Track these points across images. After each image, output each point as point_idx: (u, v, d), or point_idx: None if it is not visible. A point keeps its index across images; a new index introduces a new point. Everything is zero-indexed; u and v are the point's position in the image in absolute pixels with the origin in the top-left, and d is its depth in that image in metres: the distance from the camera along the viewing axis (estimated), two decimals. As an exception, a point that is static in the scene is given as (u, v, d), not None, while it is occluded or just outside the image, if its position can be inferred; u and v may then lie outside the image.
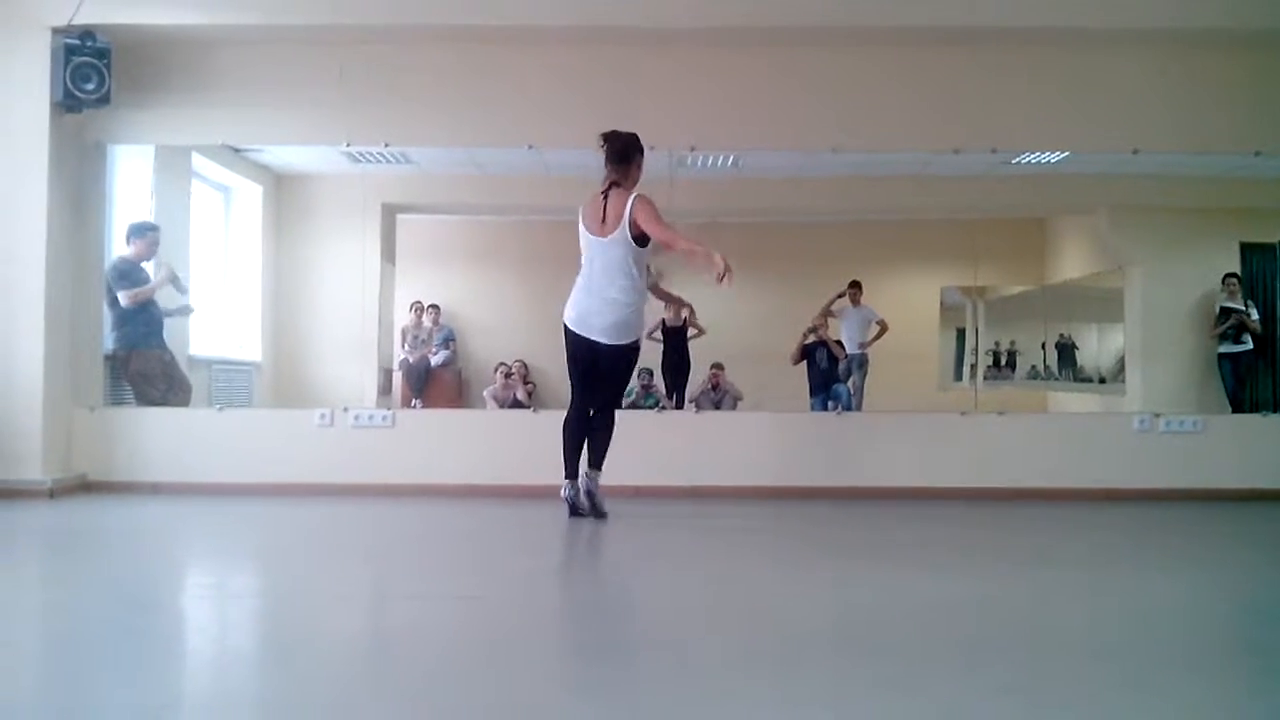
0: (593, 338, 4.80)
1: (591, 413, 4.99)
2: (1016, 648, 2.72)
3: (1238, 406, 7.47)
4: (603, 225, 4.74)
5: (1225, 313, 7.69)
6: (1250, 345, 7.63)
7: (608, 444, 4.99)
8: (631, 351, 4.90)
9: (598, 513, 4.90)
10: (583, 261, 4.86)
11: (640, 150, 4.87)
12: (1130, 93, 6.19)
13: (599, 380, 4.92)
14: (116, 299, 6.17)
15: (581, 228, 4.83)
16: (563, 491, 4.95)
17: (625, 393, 8.22)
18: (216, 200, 7.76)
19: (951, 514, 5.41)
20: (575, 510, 4.93)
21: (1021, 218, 8.77)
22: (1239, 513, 5.60)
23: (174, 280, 6.40)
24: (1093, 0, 5.84)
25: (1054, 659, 2.61)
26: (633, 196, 4.72)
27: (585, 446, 4.97)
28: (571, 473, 4.96)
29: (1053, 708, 2.19)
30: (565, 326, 4.90)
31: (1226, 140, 6.21)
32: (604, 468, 4.94)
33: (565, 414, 5.04)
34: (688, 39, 6.10)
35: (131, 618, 2.99)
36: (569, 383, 5.03)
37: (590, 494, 4.91)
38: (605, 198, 4.77)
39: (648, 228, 4.64)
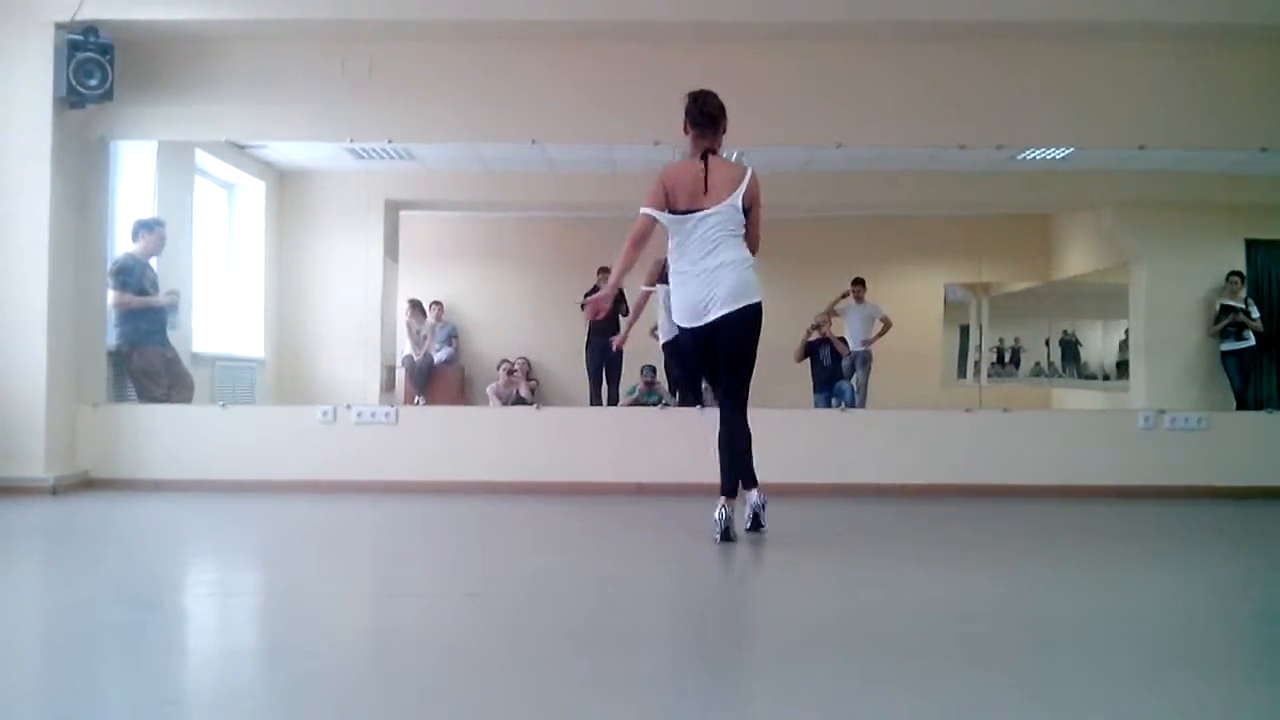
0: (708, 321, 4.16)
1: (719, 410, 4.34)
2: (1024, 644, 2.71)
3: (1244, 403, 7.46)
4: (707, 195, 4.15)
5: (1225, 310, 7.69)
6: (1252, 342, 7.63)
7: (751, 453, 4.30)
8: (754, 315, 4.18)
9: (758, 525, 4.33)
10: (674, 245, 4.23)
11: (725, 112, 4.29)
12: (1136, 88, 6.17)
13: (726, 360, 4.23)
14: (120, 296, 6.19)
15: (674, 207, 4.17)
16: (718, 511, 4.22)
17: (629, 390, 8.27)
18: (220, 196, 7.76)
19: (955, 511, 5.40)
20: (728, 535, 4.18)
21: (1026, 214, 8.76)
22: (1244, 510, 5.59)
23: (172, 308, 6.39)
24: (1099, -4, 5.84)
25: (1061, 656, 2.60)
26: (750, 170, 4.22)
27: (730, 465, 4.29)
28: (731, 489, 4.27)
29: (1059, 705, 2.18)
30: (679, 330, 4.33)
31: (1232, 136, 6.19)
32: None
33: (719, 433, 4.32)
34: (691, 35, 6.09)
35: (135, 614, 2.99)
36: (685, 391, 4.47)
37: (756, 512, 4.33)
38: (705, 165, 4.19)
39: (757, 213, 4.22)
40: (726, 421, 4.29)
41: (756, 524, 4.34)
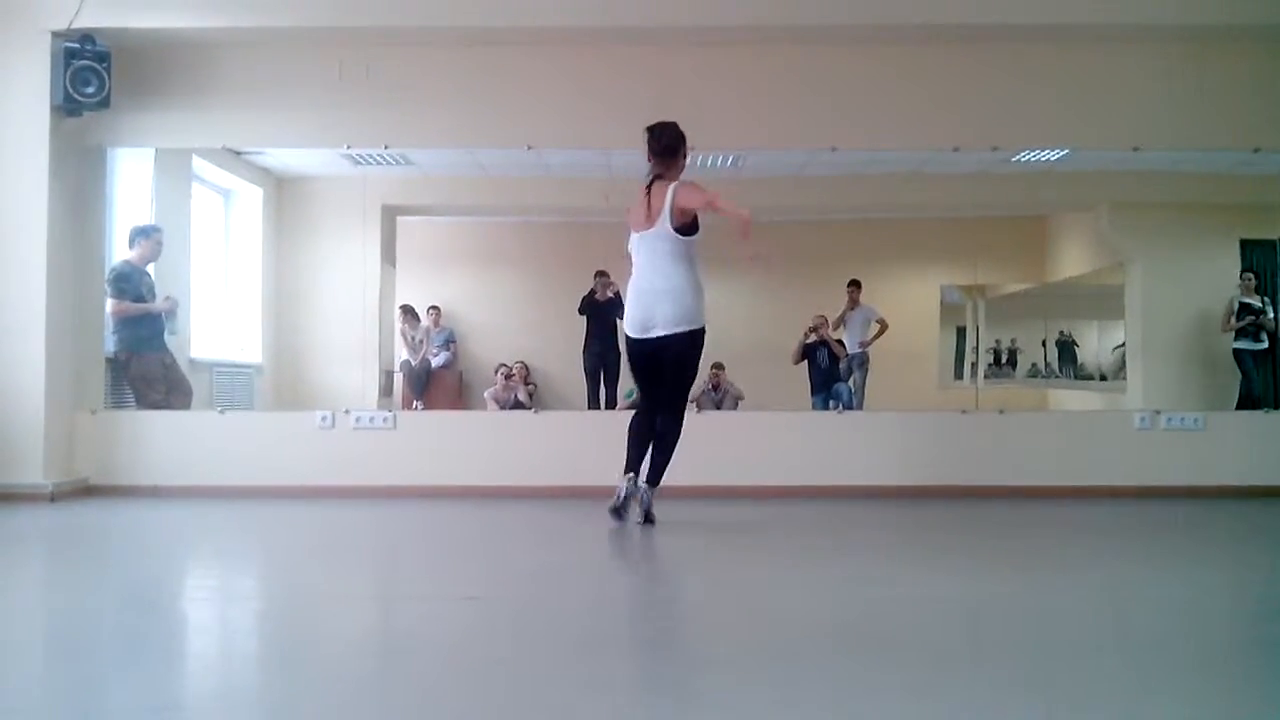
0: (653, 336, 4.56)
1: (657, 417, 4.71)
2: (1023, 646, 2.71)
3: (1254, 400, 7.44)
4: (647, 220, 4.56)
5: (1244, 309, 7.66)
6: (1267, 344, 7.63)
7: (669, 459, 4.68)
8: (694, 337, 4.58)
9: (649, 519, 4.62)
10: (632, 267, 4.67)
11: (684, 141, 4.68)
12: (1130, 89, 6.19)
13: (662, 377, 4.66)
14: (118, 303, 6.19)
15: (630, 231, 4.66)
16: (622, 484, 4.58)
17: (627, 394, 8.26)
18: (217, 203, 7.76)
19: (953, 513, 5.41)
20: (619, 511, 4.57)
21: (1022, 215, 8.75)
22: (1241, 509, 5.60)
23: (170, 315, 6.39)
24: (1092, -3, 5.86)
25: (1060, 657, 2.61)
26: (673, 185, 4.53)
27: (649, 455, 4.68)
28: (633, 466, 4.62)
29: (1062, 705, 2.19)
30: (628, 339, 4.69)
31: (1226, 137, 6.21)
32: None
33: (635, 421, 4.78)
34: (687, 38, 6.11)
35: (134, 620, 2.99)
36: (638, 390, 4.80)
37: (647, 509, 4.62)
38: (649, 192, 4.59)
39: (688, 201, 4.44)
40: (664, 423, 4.67)
41: (649, 518, 4.60)
